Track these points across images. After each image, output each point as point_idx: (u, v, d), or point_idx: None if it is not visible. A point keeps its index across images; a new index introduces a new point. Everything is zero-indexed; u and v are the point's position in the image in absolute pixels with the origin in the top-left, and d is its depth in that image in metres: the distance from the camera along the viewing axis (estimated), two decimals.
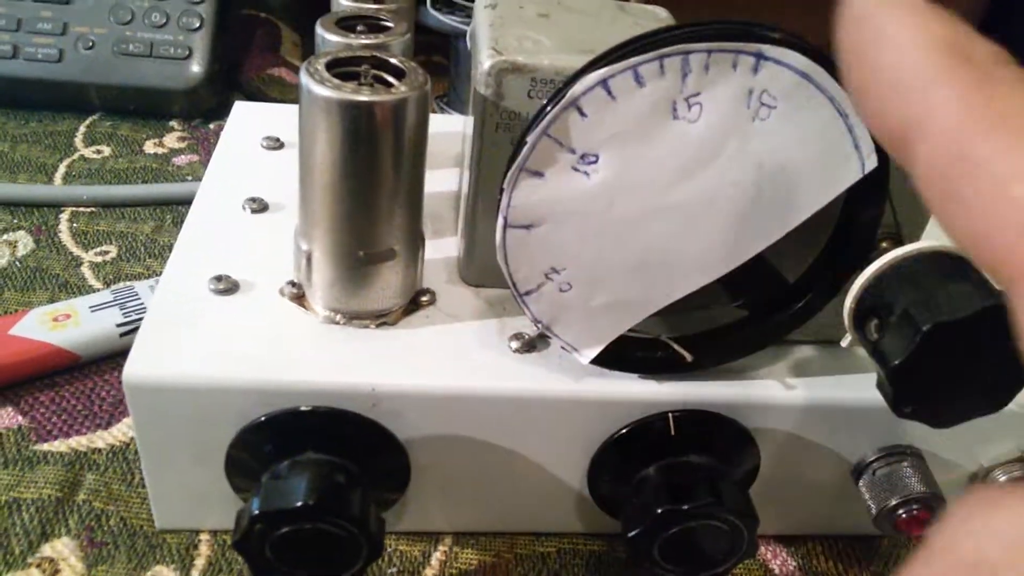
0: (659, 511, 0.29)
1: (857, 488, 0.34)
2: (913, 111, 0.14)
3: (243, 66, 0.68)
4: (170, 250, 0.46)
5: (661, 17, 0.34)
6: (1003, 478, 0.35)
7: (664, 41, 0.23)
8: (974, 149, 0.13)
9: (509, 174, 0.26)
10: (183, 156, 0.56)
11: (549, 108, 0.24)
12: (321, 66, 0.27)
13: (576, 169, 0.25)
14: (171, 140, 0.57)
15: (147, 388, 0.28)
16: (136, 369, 0.28)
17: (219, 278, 0.32)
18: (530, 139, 0.25)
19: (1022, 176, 0.12)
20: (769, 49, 0.24)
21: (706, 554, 0.30)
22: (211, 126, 0.60)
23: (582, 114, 0.24)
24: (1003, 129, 0.13)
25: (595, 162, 0.25)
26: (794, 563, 0.35)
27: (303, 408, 0.28)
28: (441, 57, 0.75)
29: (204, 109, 0.59)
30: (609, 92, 0.24)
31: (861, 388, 0.32)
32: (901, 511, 0.32)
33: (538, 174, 0.25)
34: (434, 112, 0.60)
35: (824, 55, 0.25)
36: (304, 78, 0.26)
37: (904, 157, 0.15)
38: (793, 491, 0.34)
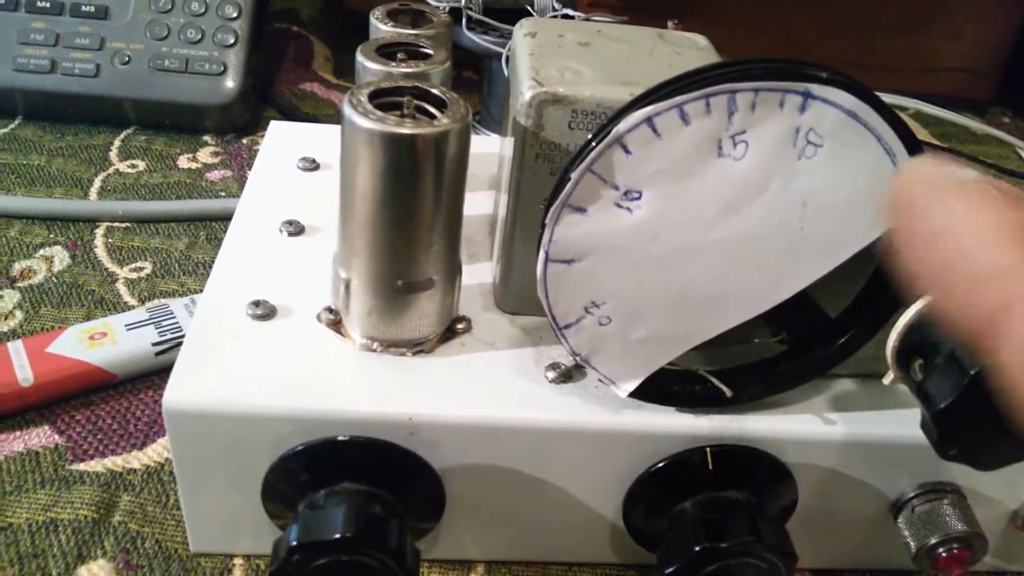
0: (697, 548, 0.28)
1: (896, 524, 0.33)
2: (995, 300, 0.14)
3: (275, 80, 0.68)
4: (204, 267, 0.46)
5: (701, 46, 0.34)
6: None
7: (710, 80, 0.23)
8: None
9: (552, 209, 0.25)
10: (216, 171, 0.56)
11: (593, 145, 0.24)
12: (364, 97, 0.27)
13: (619, 205, 0.25)
14: (204, 155, 0.58)
15: (186, 415, 0.28)
16: (176, 395, 0.28)
17: (257, 303, 0.32)
18: (574, 175, 0.25)
19: None
20: (817, 88, 0.24)
21: None
22: (244, 141, 0.60)
23: (627, 151, 0.24)
24: None
25: (638, 198, 0.25)
26: None
27: (341, 438, 0.28)
28: (471, 72, 0.75)
29: (237, 124, 0.60)
30: (654, 130, 0.24)
31: (901, 424, 0.31)
32: (941, 550, 0.32)
33: (581, 210, 0.25)
34: None
35: (872, 94, 0.24)
36: (347, 109, 0.26)
37: (986, 344, 0.14)
38: (830, 526, 0.34)
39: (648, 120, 0.24)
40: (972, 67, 0.85)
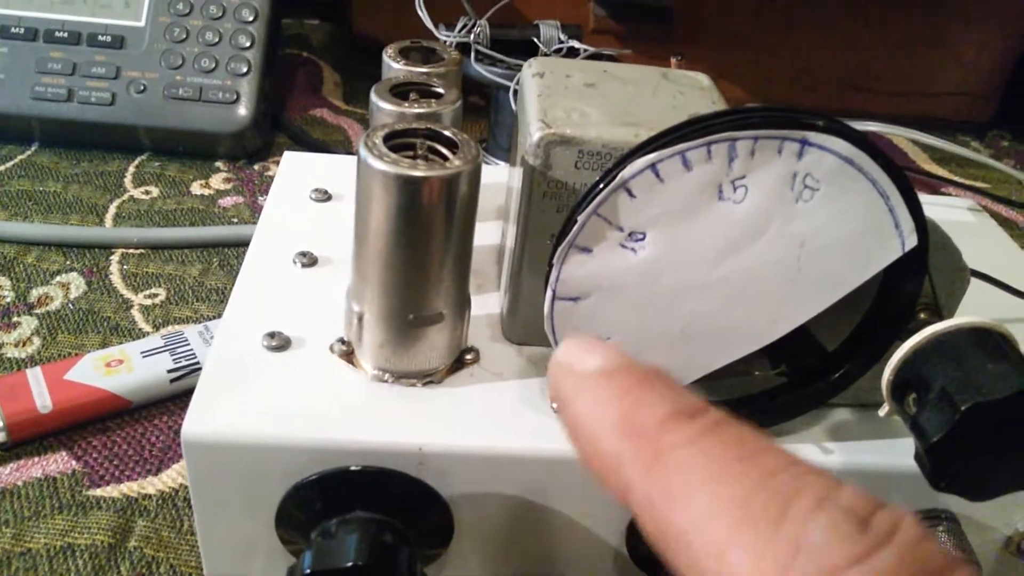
0: None
1: None
2: (619, 484, 0.18)
3: (286, 106, 0.69)
4: (217, 293, 0.48)
5: (704, 85, 0.35)
6: None
7: (712, 128, 0.24)
8: (668, 526, 0.16)
9: (559, 250, 0.26)
10: (229, 197, 0.57)
11: (599, 188, 0.25)
12: (379, 140, 0.28)
13: (624, 246, 0.26)
14: (217, 181, 0.59)
15: (204, 445, 0.29)
16: (194, 427, 0.29)
17: (272, 335, 0.33)
18: (580, 217, 0.26)
19: (696, 530, 0.16)
20: (814, 136, 0.25)
21: None
22: (256, 167, 0.61)
23: (631, 195, 0.25)
24: (674, 503, 0.16)
25: (642, 239, 0.26)
26: None
27: (354, 468, 0.29)
28: (477, 97, 0.76)
29: (249, 151, 0.61)
30: (657, 175, 0.25)
31: (897, 453, 0.32)
32: None
33: (587, 250, 0.26)
34: None
35: (867, 140, 0.25)
36: (363, 152, 0.28)
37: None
38: None
39: (652, 166, 0.25)
40: (972, 90, 0.86)
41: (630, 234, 0.26)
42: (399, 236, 0.28)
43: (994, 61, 0.84)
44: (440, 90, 0.34)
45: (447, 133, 0.29)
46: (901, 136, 0.74)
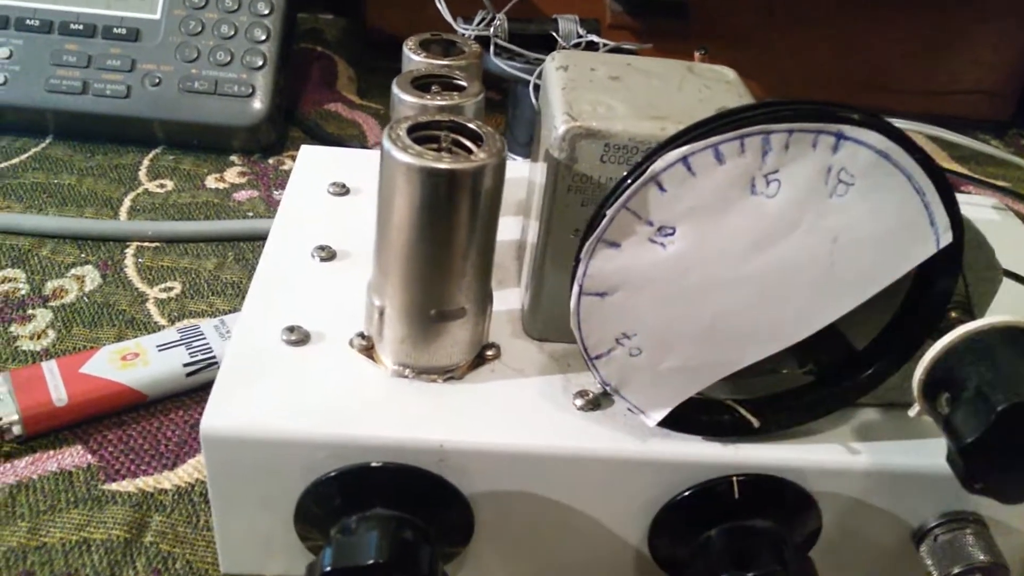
0: None
1: (918, 553, 0.33)
2: None
3: (300, 101, 0.69)
4: (232, 287, 0.47)
5: (729, 79, 0.34)
6: None
7: (746, 121, 0.24)
8: None
9: (587, 244, 0.26)
10: (244, 191, 0.57)
11: (629, 182, 0.25)
12: (403, 132, 0.28)
13: (653, 241, 0.26)
14: (232, 175, 0.59)
15: (223, 440, 0.29)
16: (213, 421, 0.29)
17: (291, 329, 0.32)
18: (609, 212, 0.25)
19: None
20: (849, 129, 0.24)
21: None
22: (270, 161, 0.61)
23: (661, 189, 0.25)
24: None
25: (672, 234, 0.26)
26: None
27: (374, 464, 0.29)
28: (494, 93, 0.75)
29: (264, 144, 0.61)
30: (689, 168, 0.24)
31: (925, 454, 0.32)
32: None
33: (615, 245, 0.26)
34: None
35: (902, 135, 0.25)
36: (386, 143, 0.27)
37: None
38: (853, 554, 0.34)
39: (684, 159, 0.24)
40: (991, 89, 0.85)
41: (660, 228, 0.26)
42: (422, 230, 0.28)
43: (1012, 59, 0.84)
44: (462, 83, 0.34)
45: (471, 126, 0.29)
46: (919, 132, 0.73)
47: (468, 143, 0.29)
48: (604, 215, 0.25)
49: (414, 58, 0.36)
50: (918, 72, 0.84)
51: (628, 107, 0.30)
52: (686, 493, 0.31)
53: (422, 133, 0.28)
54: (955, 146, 0.74)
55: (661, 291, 0.27)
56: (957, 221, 0.27)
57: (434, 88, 0.33)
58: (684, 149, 0.24)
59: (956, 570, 0.32)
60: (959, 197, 0.52)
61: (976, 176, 0.74)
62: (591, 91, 0.31)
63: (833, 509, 0.32)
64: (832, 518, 0.32)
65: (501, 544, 0.32)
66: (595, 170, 0.30)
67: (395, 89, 0.33)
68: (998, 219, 0.49)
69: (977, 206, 0.50)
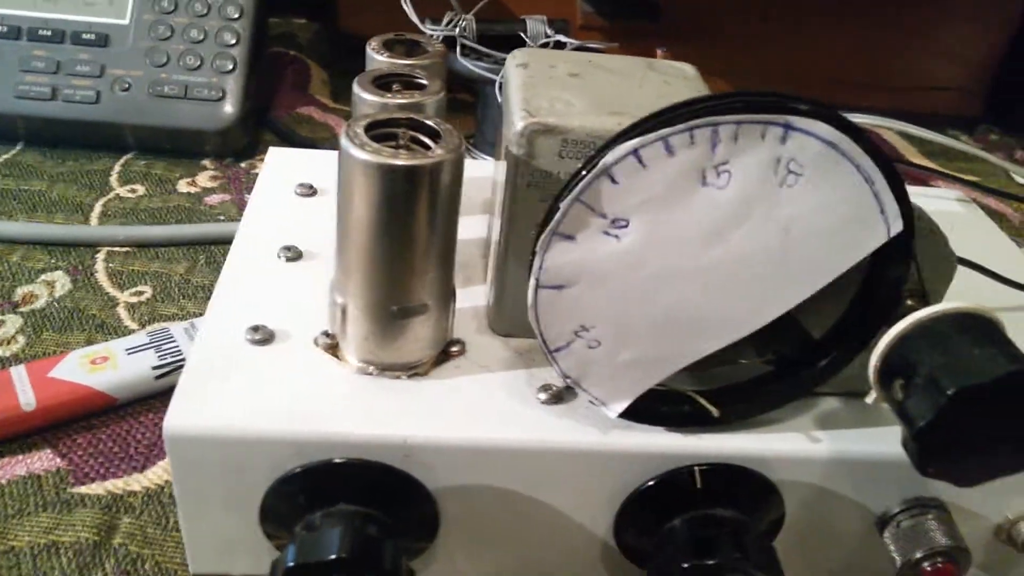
0: (685, 566, 0.29)
1: (882, 539, 0.34)
2: None
3: (273, 104, 0.69)
4: (203, 291, 0.47)
5: (689, 75, 0.34)
6: None
7: (694, 113, 0.24)
8: None
9: (542, 237, 0.26)
10: (215, 195, 0.57)
11: (582, 175, 0.25)
12: (360, 129, 0.28)
13: (607, 233, 0.26)
14: (203, 179, 0.59)
15: (187, 439, 0.29)
16: (176, 420, 0.29)
17: (256, 328, 0.32)
18: (563, 205, 0.26)
19: None
20: (797, 120, 0.25)
21: None
22: (242, 165, 0.61)
23: (614, 181, 0.25)
24: None
25: (626, 226, 0.26)
26: None
27: (337, 460, 0.29)
28: (467, 94, 0.76)
29: (236, 148, 0.61)
30: (640, 161, 0.25)
31: (886, 441, 0.32)
32: (926, 563, 0.32)
33: (570, 237, 0.26)
34: None
35: (850, 124, 0.25)
36: (344, 141, 0.27)
37: None
38: (818, 541, 0.34)
39: (634, 152, 0.25)
40: (961, 85, 0.86)
41: (613, 221, 0.26)
42: (381, 227, 0.28)
43: (981, 55, 0.85)
44: (423, 81, 0.34)
45: (429, 123, 0.29)
46: (889, 128, 0.74)
47: (427, 140, 0.29)
48: (558, 208, 0.26)
49: (377, 58, 0.36)
50: (889, 69, 0.85)
51: (586, 103, 0.31)
52: (649, 483, 0.31)
53: (380, 131, 0.29)
54: (925, 141, 0.75)
55: (617, 283, 0.27)
56: (907, 210, 0.27)
57: (395, 87, 0.33)
58: (635, 142, 0.25)
59: (918, 555, 0.32)
60: (924, 190, 0.53)
61: (946, 171, 0.75)
62: (550, 88, 0.32)
63: (796, 497, 0.33)
64: (796, 506, 0.33)
65: (468, 538, 0.33)
66: (553, 166, 0.30)
67: (356, 88, 0.33)
68: (962, 211, 0.50)
69: (941, 199, 0.51)
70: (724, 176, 0.25)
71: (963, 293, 0.31)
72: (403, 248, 0.29)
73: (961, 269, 0.38)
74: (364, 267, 0.29)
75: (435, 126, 0.29)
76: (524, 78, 0.32)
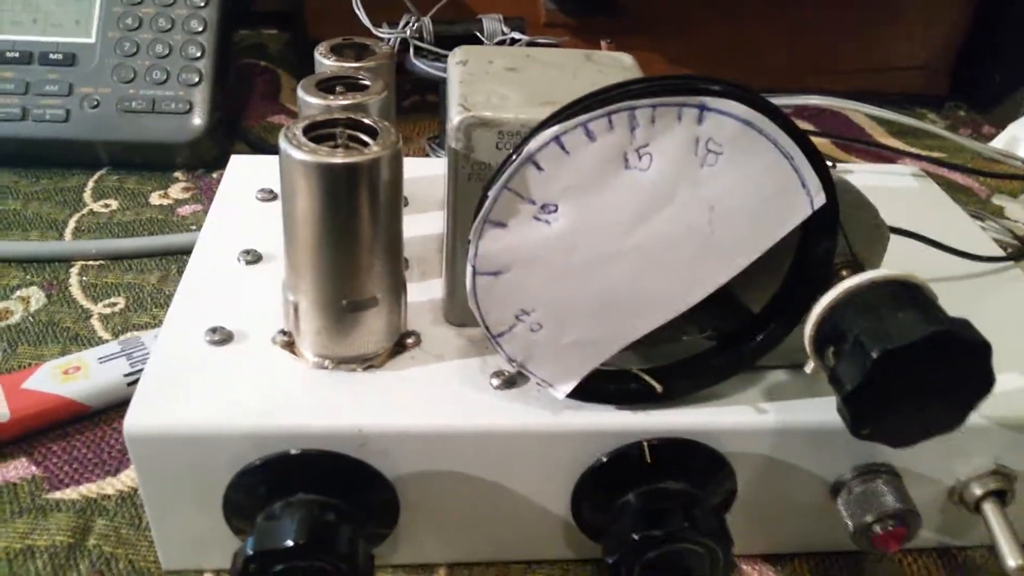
0: (635, 537, 0.30)
1: (835, 506, 0.35)
2: None
3: (245, 115, 0.70)
4: None
5: (626, 64, 0.35)
6: (979, 491, 0.35)
7: (611, 99, 0.25)
8: None
9: (475, 225, 0.27)
10: (187, 206, 0.58)
11: (508, 163, 0.26)
12: (298, 131, 0.29)
13: (537, 219, 0.27)
14: (176, 191, 0.60)
15: (146, 437, 0.30)
16: (136, 420, 0.30)
17: (214, 329, 0.33)
18: (492, 192, 0.27)
19: None
20: (711, 100, 0.26)
21: None
22: (214, 175, 0.62)
23: (539, 168, 0.26)
24: None
25: (555, 211, 0.27)
26: None
27: (293, 451, 0.30)
28: (434, 95, 0.77)
29: (207, 159, 0.62)
30: (563, 147, 0.26)
31: (832, 409, 0.33)
32: (877, 527, 0.33)
33: (501, 224, 0.27)
34: (425, 155, 0.62)
35: (764, 102, 0.26)
36: (282, 143, 0.28)
37: None
38: (775, 511, 0.35)
39: (556, 139, 0.26)
40: (927, 64, 0.87)
41: (542, 207, 0.27)
42: (325, 224, 0.29)
43: (945, 34, 0.86)
44: (367, 83, 0.35)
45: (367, 121, 0.30)
46: (856, 110, 0.75)
47: (366, 138, 0.30)
48: (487, 196, 0.27)
49: (325, 62, 0.37)
50: (856, 52, 0.86)
51: (522, 95, 0.32)
52: (602, 460, 0.32)
53: (320, 132, 0.30)
54: (892, 122, 0.76)
55: (551, 267, 0.28)
56: (828, 182, 0.28)
57: (338, 89, 0.34)
58: (555, 129, 0.26)
59: (869, 519, 0.33)
60: (879, 167, 0.54)
61: (913, 150, 0.76)
62: (487, 82, 0.33)
63: (748, 469, 0.33)
64: (749, 478, 0.34)
65: (430, 523, 0.33)
66: (492, 157, 0.31)
67: (300, 92, 0.34)
68: (916, 185, 0.51)
69: (896, 175, 0.52)
70: (646, 159, 0.26)
71: (907, 264, 0.32)
72: (348, 244, 0.30)
73: (910, 241, 0.39)
74: (312, 264, 0.30)
75: (373, 124, 0.30)
76: (463, 74, 0.33)
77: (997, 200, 0.68)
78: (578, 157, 0.26)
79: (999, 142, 0.75)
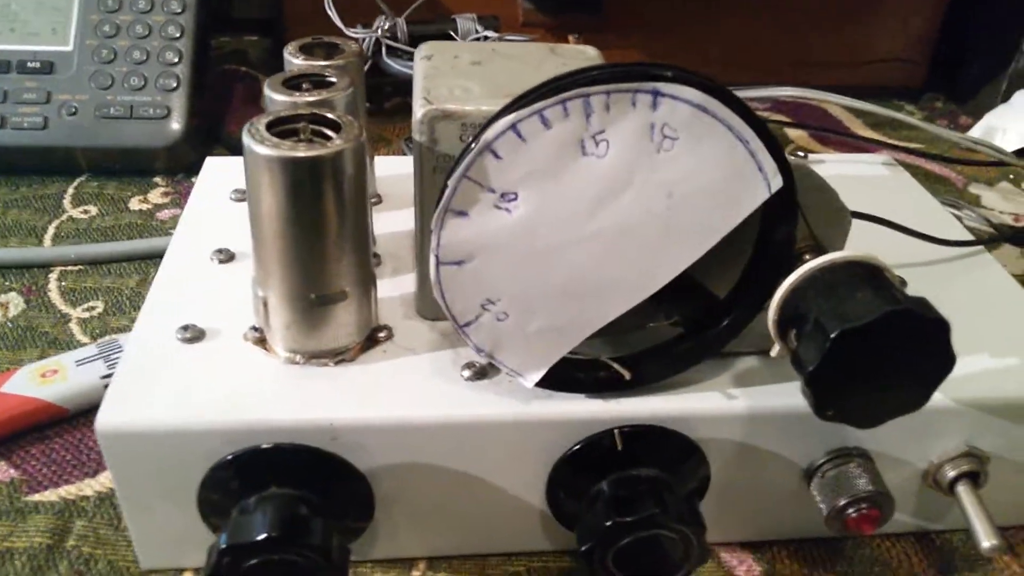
0: (607, 524, 0.30)
1: (809, 491, 0.35)
2: None
3: (226, 120, 0.70)
4: None
5: (590, 56, 0.36)
6: (952, 473, 0.36)
7: (565, 86, 0.26)
8: None
9: (436, 214, 0.28)
10: (166, 210, 0.58)
11: (467, 153, 0.26)
12: (261, 126, 0.29)
13: (498, 207, 0.27)
14: (155, 196, 0.60)
15: (118, 435, 0.30)
16: (108, 418, 0.30)
17: (186, 327, 0.34)
18: (451, 182, 0.27)
19: None
20: (664, 86, 0.26)
21: (661, 562, 0.32)
22: (193, 179, 0.62)
23: (497, 156, 0.26)
24: None
25: (515, 199, 0.27)
26: (759, 568, 0.36)
27: (264, 446, 0.30)
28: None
29: (186, 164, 0.62)
30: (519, 135, 0.26)
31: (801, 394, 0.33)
32: (850, 510, 0.33)
33: (463, 213, 0.27)
34: (402, 154, 0.63)
35: (718, 87, 0.27)
36: (245, 138, 0.29)
37: None
38: (751, 498, 0.36)
39: (513, 127, 0.26)
40: (904, 56, 0.88)
41: (502, 195, 0.27)
42: (290, 218, 0.29)
43: (920, 26, 0.86)
44: (333, 80, 0.35)
45: (331, 116, 0.30)
46: (832, 102, 0.76)
47: (330, 132, 0.30)
48: (447, 186, 0.27)
49: (294, 61, 0.38)
50: (834, 45, 0.86)
51: (484, 88, 0.32)
52: (574, 449, 0.32)
53: (284, 127, 0.30)
54: (869, 113, 0.76)
55: (513, 255, 0.28)
56: (784, 166, 0.28)
57: (305, 86, 0.34)
58: (511, 117, 0.26)
59: (842, 502, 0.33)
60: (850, 156, 0.55)
61: (889, 141, 0.76)
62: (451, 76, 0.33)
63: (721, 455, 0.34)
64: (722, 464, 0.34)
65: (406, 516, 0.34)
66: (456, 149, 0.31)
67: (266, 89, 0.34)
68: (887, 173, 0.51)
69: (866, 163, 0.52)
70: (603, 145, 0.27)
71: (876, 250, 0.32)
72: (314, 237, 0.30)
73: (880, 228, 0.40)
74: (279, 259, 0.30)
75: (337, 119, 0.30)
76: (427, 69, 0.34)
77: (973, 189, 0.69)
78: (534, 145, 0.26)
79: (976, 132, 0.75)
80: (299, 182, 0.29)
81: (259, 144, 0.28)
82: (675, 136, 0.27)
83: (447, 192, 0.27)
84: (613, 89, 0.26)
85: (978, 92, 0.83)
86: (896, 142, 0.76)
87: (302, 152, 0.28)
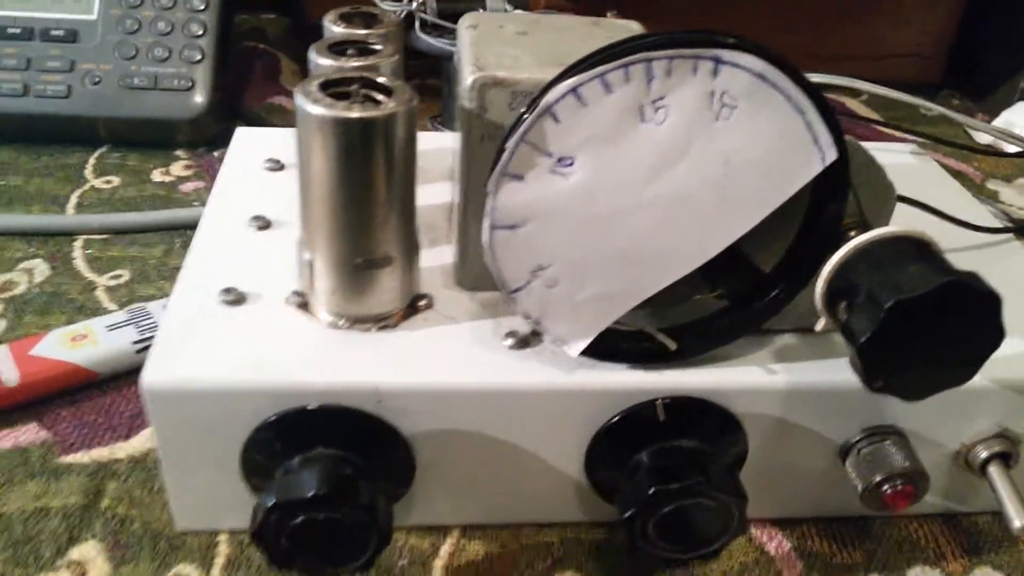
0: (651, 491, 0.30)
1: (844, 468, 0.35)
2: None
3: (245, 96, 0.70)
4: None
5: (634, 29, 0.36)
6: (984, 454, 0.36)
7: (628, 50, 0.26)
8: None
9: (492, 178, 0.28)
10: (189, 183, 0.58)
11: (525, 116, 0.26)
12: (314, 87, 0.29)
13: (554, 172, 0.27)
14: (177, 168, 0.60)
15: (164, 392, 0.30)
16: (153, 375, 0.30)
17: (228, 290, 0.33)
18: (509, 145, 0.27)
19: None
20: (725, 53, 0.26)
21: (699, 532, 0.32)
22: (215, 153, 0.62)
23: (556, 120, 0.26)
24: None
25: (571, 164, 0.27)
26: (789, 544, 0.37)
27: (310, 407, 0.30)
28: (435, 79, 0.77)
29: (208, 137, 0.62)
30: (580, 99, 0.26)
31: (842, 371, 0.33)
32: (886, 487, 0.34)
33: (519, 177, 0.27)
34: (428, 131, 0.62)
35: (778, 56, 0.27)
36: (299, 98, 0.28)
37: None
38: (784, 474, 0.36)
39: (573, 90, 0.26)
40: (921, 52, 0.88)
41: (559, 159, 0.27)
42: (340, 180, 0.29)
43: (939, 22, 0.86)
44: (378, 47, 0.35)
45: (382, 80, 0.30)
46: (851, 87, 0.76)
47: (380, 96, 0.30)
48: (505, 149, 0.27)
49: (334, 29, 0.38)
50: (851, 39, 0.86)
51: (534, 57, 0.32)
52: (615, 419, 0.32)
53: (335, 90, 0.30)
54: (891, 106, 0.76)
55: (568, 221, 0.28)
56: (840, 138, 0.28)
57: (350, 52, 0.34)
58: (573, 80, 0.26)
59: (878, 478, 0.34)
60: (878, 144, 0.55)
61: (907, 137, 0.76)
62: (498, 45, 0.33)
63: (759, 429, 0.34)
64: (759, 439, 0.34)
65: (445, 485, 0.34)
66: (505, 117, 0.31)
67: (312, 55, 0.34)
68: (916, 162, 0.52)
69: (895, 152, 0.53)
70: (662, 112, 0.27)
71: (907, 222, 0.33)
72: (363, 200, 0.30)
73: (911, 211, 0.40)
74: (327, 221, 0.30)
75: (387, 83, 0.30)
76: (474, 38, 0.34)
77: (991, 185, 0.69)
78: (595, 109, 0.26)
79: None
80: (351, 144, 0.28)
81: (313, 104, 0.28)
82: (734, 104, 0.27)
83: (504, 156, 0.27)
84: (675, 55, 0.26)
85: (995, 90, 0.84)
86: (913, 138, 0.76)
87: (356, 113, 0.28)
